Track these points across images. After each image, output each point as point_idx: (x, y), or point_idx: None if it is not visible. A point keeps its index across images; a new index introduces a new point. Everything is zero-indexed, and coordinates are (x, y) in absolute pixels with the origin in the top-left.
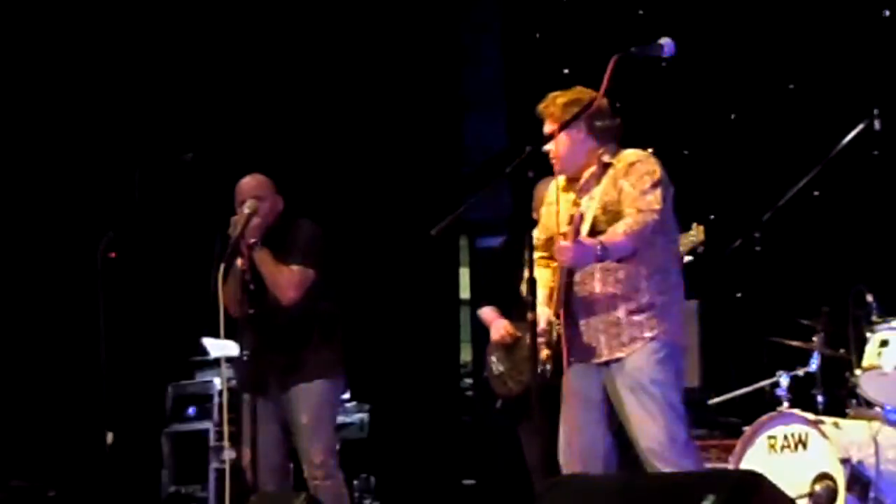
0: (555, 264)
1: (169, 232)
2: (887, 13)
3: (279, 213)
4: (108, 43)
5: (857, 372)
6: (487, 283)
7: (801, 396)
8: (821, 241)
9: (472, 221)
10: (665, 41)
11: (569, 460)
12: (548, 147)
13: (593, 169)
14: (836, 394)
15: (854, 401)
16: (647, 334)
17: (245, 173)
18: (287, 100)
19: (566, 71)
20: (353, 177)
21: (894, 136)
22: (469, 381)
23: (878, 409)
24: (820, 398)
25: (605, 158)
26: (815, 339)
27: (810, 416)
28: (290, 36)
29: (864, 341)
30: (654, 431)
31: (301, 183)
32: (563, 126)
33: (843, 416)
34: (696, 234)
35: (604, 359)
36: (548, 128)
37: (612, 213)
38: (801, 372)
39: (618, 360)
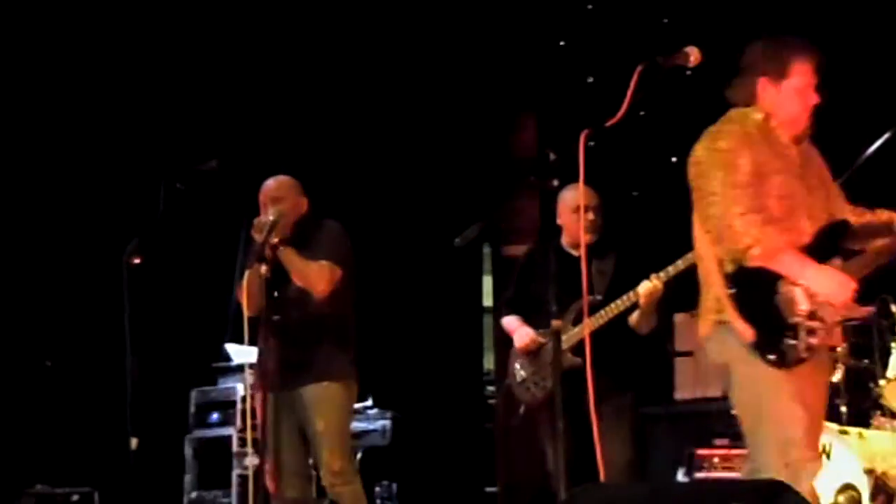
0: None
1: (194, 238)
2: None
3: (303, 214)
4: (137, 52)
5: (882, 382)
6: (511, 291)
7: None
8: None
9: (496, 229)
10: (691, 49)
11: None
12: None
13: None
14: (860, 404)
15: (878, 412)
16: None
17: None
18: (315, 106)
19: (591, 79)
20: (380, 184)
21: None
22: (492, 388)
23: None
24: (844, 408)
25: None
26: (838, 349)
27: (834, 426)
28: (320, 41)
29: (888, 352)
30: None
31: (327, 190)
32: None
33: (868, 426)
34: None
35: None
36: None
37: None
38: None
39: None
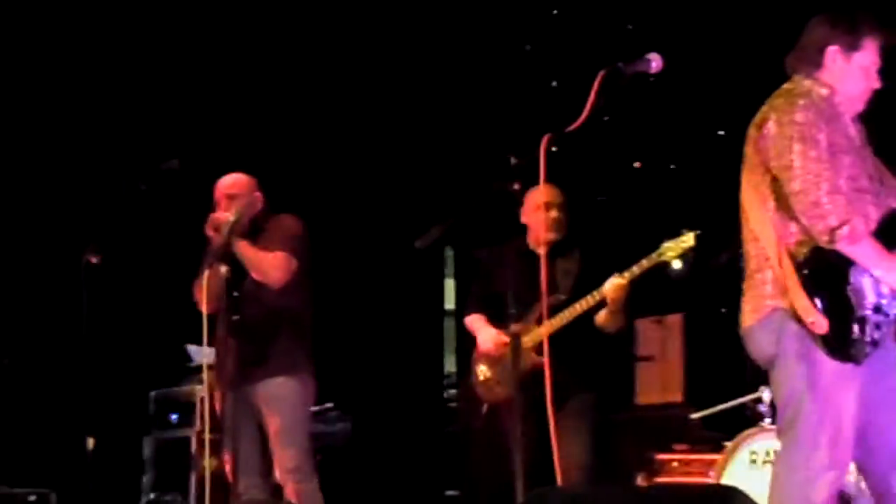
0: None
1: (155, 238)
2: None
3: (259, 210)
4: (98, 52)
5: None
6: (475, 289)
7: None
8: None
9: (459, 232)
10: (653, 56)
11: None
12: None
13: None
14: None
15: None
16: None
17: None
18: (277, 105)
19: (554, 83)
20: (343, 184)
21: (880, 153)
22: (452, 391)
23: None
24: None
25: None
26: None
27: None
28: (282, 40)
29: None
30: None
31: (289, 189)
32: None
33: None
34: (687, 239)
35: None
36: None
37: None
38: None
39: None
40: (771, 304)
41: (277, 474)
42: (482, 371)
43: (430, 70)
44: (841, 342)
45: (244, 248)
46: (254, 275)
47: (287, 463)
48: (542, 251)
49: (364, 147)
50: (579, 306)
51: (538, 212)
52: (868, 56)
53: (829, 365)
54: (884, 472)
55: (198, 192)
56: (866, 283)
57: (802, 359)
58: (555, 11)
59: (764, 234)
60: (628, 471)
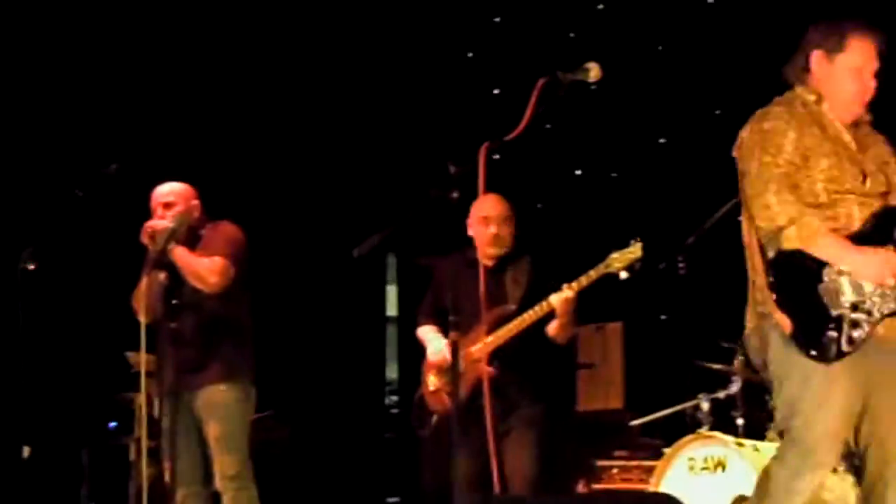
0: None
1: (93, 244)
2: None
3: (196, 218)
4: (35, 57)
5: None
6: (426, 300)
7: (723, 419)
8: (743, 266)
9: (400, 239)
10: (592, 65)
11: None
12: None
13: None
14: (756, 417)
15: (772, 424)
16: None
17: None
18: (218, 112)
19: (496, 91)
20: (283, 192)
21: None
22: (394, 398)
23: None
24: (740, 421)
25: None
26: (735, 361)
27: (730, 438)
28: (220, 44)
29: None
30: None
31: (230, 197)
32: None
33: (763, 439)
34: (634, 250)
35: None
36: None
37: None
38: (721, 395)
39: None
40: (760, 310)
41: (217, 482)
42: (432, 381)
43: (372, 77)
44: (812, 341)
45: (180, 256)
46: (191, 281)
47: (227, 470)
48: (485, 265)
49: (306, 154)
50: (527, 317)
51: (480, 225)
52: (854, 57)
53: (813, 366)
54: (873, 481)
55: (137, 198)
56: (844, 282)
57: (789, 362)
58: (497, 19)
59: (749, 241)
60: (568, 477)
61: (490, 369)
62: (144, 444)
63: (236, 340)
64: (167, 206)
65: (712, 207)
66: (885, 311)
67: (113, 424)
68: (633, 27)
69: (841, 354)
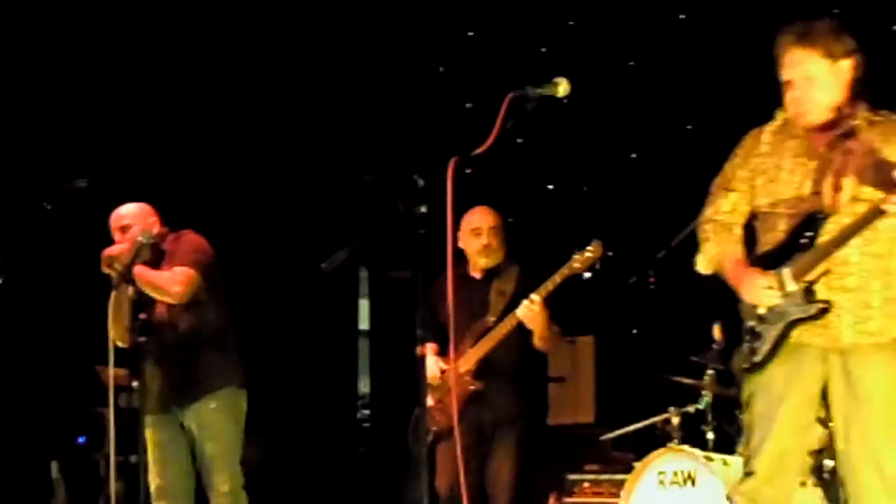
0: (737, 230)
1: (61, 258)
2: None
3: (157, 235)
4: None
5: None
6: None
7: (693, 433)
8: (713, 280)
9: (372, 253)
10: (560, 80)
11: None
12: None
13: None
14: (725, 431)
15: (743, 438)
16: None
17: (138, 200)
18: (186, 126)
19: (469, 105)
20: (256, 206)
21: None
22: (366, 412)
23: None
24: (710, 435)
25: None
26: (705, 376)
27: (699, 452)
28: (187, 59)
29: None
30: None
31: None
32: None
33: (732, 453)
34: (594, 248)
35: (847, 343)
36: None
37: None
38: (692, 409)
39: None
40: None
41: (210, 498)
42: (430, 399)
43: (344, 91)
44: (734, 354)
45: (140, 275)
46: (156, 296)
47: (221, 488)
48: (480, 276)
49: (278, 167)
50: (498, 330)
51: (470, 238)
52: (782, 72)
53: (750, 377)
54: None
55: (105, 212)
56: None
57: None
58: (469, 34)
59: None
60: (540, 491)
61: (476, 383)
62: (113, 459)
63: (220, 349)
64: (124, 229)
65: (683, 222)
66: (789, 320)
67: (82, 439)
68: (605, 42)
69: (755, 365)
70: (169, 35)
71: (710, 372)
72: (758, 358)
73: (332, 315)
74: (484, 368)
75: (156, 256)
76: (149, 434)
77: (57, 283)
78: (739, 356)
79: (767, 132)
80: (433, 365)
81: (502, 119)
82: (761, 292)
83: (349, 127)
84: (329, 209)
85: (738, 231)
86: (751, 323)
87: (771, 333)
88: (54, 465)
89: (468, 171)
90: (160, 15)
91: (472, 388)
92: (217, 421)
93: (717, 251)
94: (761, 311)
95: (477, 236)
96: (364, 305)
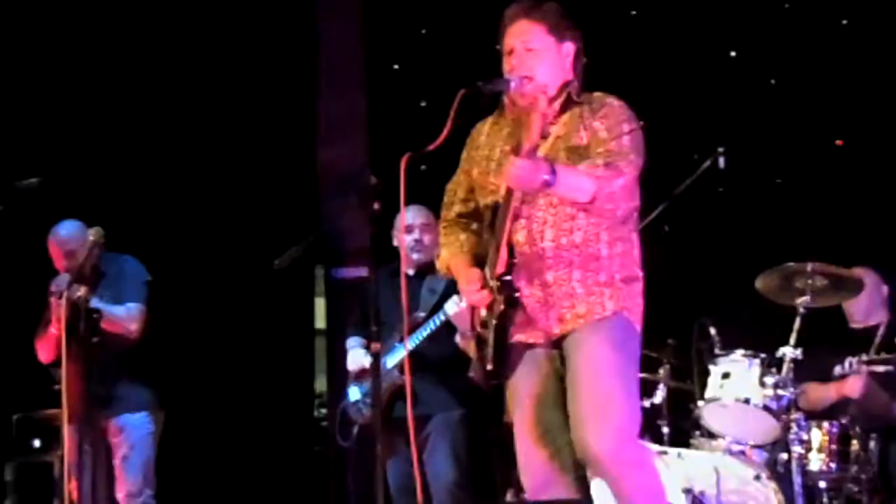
0: (474, 226)
1: (13, 259)
2: (733, 54)
3: (98, 257)
4: None
5: (700, 403)
6: (356, 313)
7: (648, 427)
8: (667, 275)
9: (328, 251)
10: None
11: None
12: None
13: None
14: (680, 425)
15: (697, 432)
16: (608, 309)
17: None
18: (136, 124)
19: (423, 103)
20: (210, 204)
21: (738, 173)
22: (323, 411)
23: (720, 440)
24: (665, 429)
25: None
26: (661, 370)
27: (655, 446)
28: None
29: (707, 373)
30: (602, 430)
31: (154, 209)
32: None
33: (688, 446)
34: None
35: (557, 333)
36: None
37: (578, 158)
38: (647, 403)
39: (563, 337)
40: None
41: (122, 500)
42: (352, 392)
43: (297, 89)
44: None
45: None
46: (110, 330)
47: (131, 488)
48: (412, 273)
49: (233, 164)
50: (432, 325)
51: (403, 234)
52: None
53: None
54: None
55: (58, 213)
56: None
57: None
58: (423, 31)
59: None
60: (498, 488)
61: (402, 378)
62: (67, 460)
63: (141, 368)
64: (69, 255)
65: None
66: (494, 321)
67: (36, 441)
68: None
69: (490, 375)
70: (117, 31)
71: (665, 366)
72: (489, 366)
73: (287, 314)
74: (412, 364)
75: (95, 278)
76: (69, 440)
77: (8, 282)
78: (472, 368)
79: (504, 120)
80: (356, 356)
81: (454, 115)
82: (470, 290)
83: (304, 126)
84: (283, 206)
85: (476, 227)
86: (477, 331)
87: (489, 333)
88: (8, 468)
89: (423, 167)
90: (110, 12)
91: (398, 382)
92: (132, 428)
93: (443, 257)
94: (482, 316)
95: (409, 233)
96: (320, 304)
